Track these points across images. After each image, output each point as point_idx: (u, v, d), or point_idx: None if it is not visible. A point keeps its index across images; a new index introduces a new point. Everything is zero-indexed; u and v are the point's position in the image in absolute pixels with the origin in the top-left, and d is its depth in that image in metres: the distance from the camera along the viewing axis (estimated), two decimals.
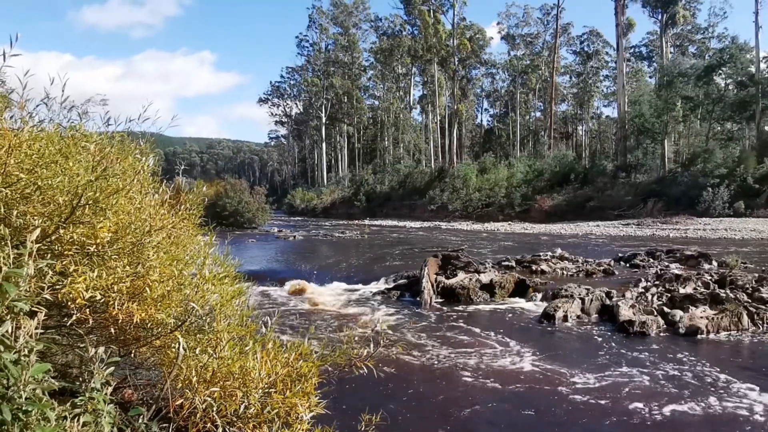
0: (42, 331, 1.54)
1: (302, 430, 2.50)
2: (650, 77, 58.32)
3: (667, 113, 38.70)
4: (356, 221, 42.62)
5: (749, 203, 30.55)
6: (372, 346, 3.08)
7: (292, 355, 2.72)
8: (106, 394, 1.63)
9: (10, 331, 1.31)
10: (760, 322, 7.97)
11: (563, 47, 63.49)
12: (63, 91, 2.62)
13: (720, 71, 38.84)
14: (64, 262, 2.40)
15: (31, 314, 1.46)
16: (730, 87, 39.75)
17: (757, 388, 5.52)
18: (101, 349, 1.66)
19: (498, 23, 64.84)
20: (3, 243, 1.58)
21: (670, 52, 52.24)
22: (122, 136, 2.92)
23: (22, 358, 1.29)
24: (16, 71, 2.35)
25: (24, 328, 1.35)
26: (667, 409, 5.02)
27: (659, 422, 4.77)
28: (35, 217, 2.31)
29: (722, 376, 5.93)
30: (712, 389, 5.53)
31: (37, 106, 2.61)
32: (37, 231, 1.69)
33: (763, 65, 38.74)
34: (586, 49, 63.95)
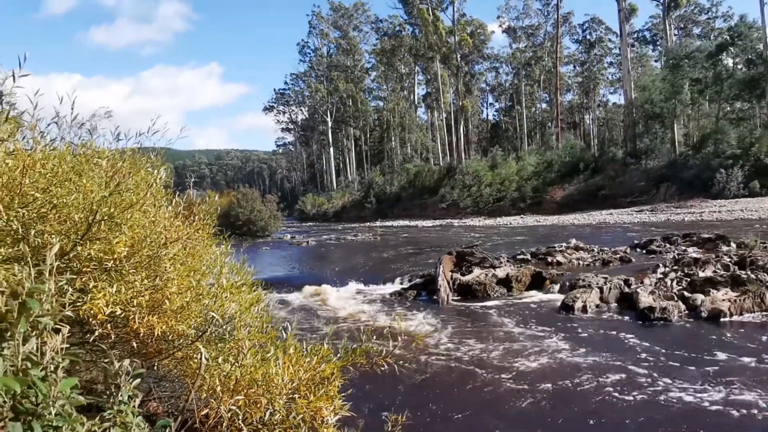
0: (66, 348, 1.55)
1: None
2: (655, 61, 57.79)
3: (674, 96, 38.32)
4: (368, 223, 42.63)
5: (765, 182, 30.14)
6: (391, 344, 3.07)
7: (314, 359, 2.71)
8: (134, 406, 1.63)
9: (36, 347, 1.32)
10: None
11: (565, 37, 63.14)
12: (72, 109, 2.64)
13: (729, 50, 38.41)
14: (83, 279, 2.42)
15: (55, 331, 1.47)
16: (739, 66, 39.26)
17: None
18: (126, 362, 1.67)
19: (498, 17, 64.68)
20: (24, 261, 1.59)
21: (675, 35, 51.74)
22: (133, 150, 2.94)
23: (50, 374, 1.30)
24: (26, 92, 2.37)
25: (50, 344, 1.36)
26: (700, 396, 4.95)
27: (695, 410, 4.70)
28: (52, 236, 2.33)
29: (750, 359, 5.85)
30: (743, 373, 5.45)
31: (48, 125, 2.63)
32: (57, 246, 1.70)
33: None
34: (588, 37, 63.50)
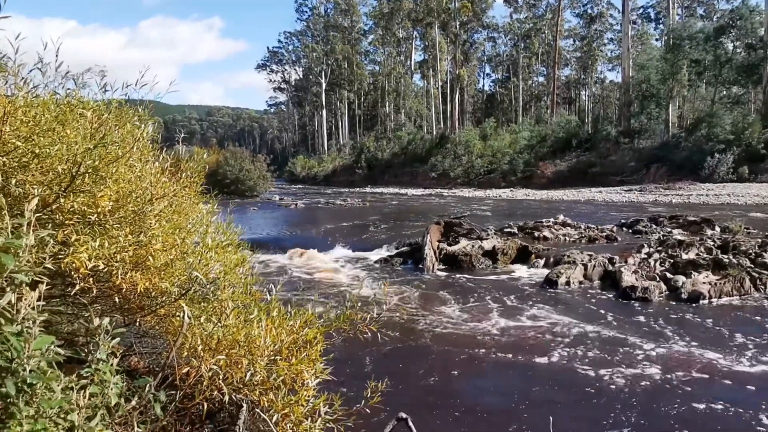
0: (46, 301, 1.52)
1: (308, 396, 2.51)
2: (656, 40, 57.17)
3: (672, 77, 38.07)
4: (358, 189, 42.56)
5: (753, 168, 30.33)
6: (375, 310, 3.09)
7: (297, 322, 2.72)
8: (112, 364, 1.62)
9: (11, 302, 1.29)
10: (763, 287, 8.00)
11: (567, 10, 62.06)
12: (57, 56, 2.54)
13: (729, 33, 38.03)
14: (65, 232, 2.37)
15: (33, 285, 1.44)
16: (738, 50, 38.98)
17: (757, 352, 5.56)
18: (106, 320, 1.65)
19: None
20: (1, 213, 1.54)
21: (677, 14, 51.11)
22: (119, 102, 2.85)
23: (25, 330, 1.27)
24: (8, 35, 2.27)
25: (25, 299, 1.33)
26: (669, 373, 5.07)
27: (661, 385, 4.81)
28: (34, 186, 2.27)
29: (723, 341, 5.98)
30: (714, 353, 5.57)
31: (31, 71, 2.53)
32: (36, 200, 1.65)
33: None
34: (590, 11, 62.52)
